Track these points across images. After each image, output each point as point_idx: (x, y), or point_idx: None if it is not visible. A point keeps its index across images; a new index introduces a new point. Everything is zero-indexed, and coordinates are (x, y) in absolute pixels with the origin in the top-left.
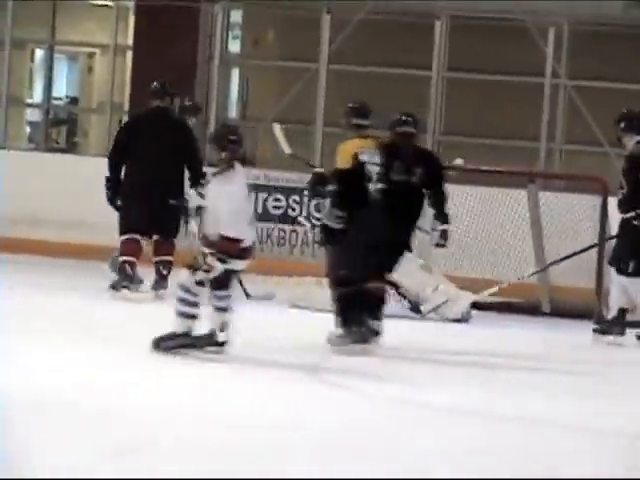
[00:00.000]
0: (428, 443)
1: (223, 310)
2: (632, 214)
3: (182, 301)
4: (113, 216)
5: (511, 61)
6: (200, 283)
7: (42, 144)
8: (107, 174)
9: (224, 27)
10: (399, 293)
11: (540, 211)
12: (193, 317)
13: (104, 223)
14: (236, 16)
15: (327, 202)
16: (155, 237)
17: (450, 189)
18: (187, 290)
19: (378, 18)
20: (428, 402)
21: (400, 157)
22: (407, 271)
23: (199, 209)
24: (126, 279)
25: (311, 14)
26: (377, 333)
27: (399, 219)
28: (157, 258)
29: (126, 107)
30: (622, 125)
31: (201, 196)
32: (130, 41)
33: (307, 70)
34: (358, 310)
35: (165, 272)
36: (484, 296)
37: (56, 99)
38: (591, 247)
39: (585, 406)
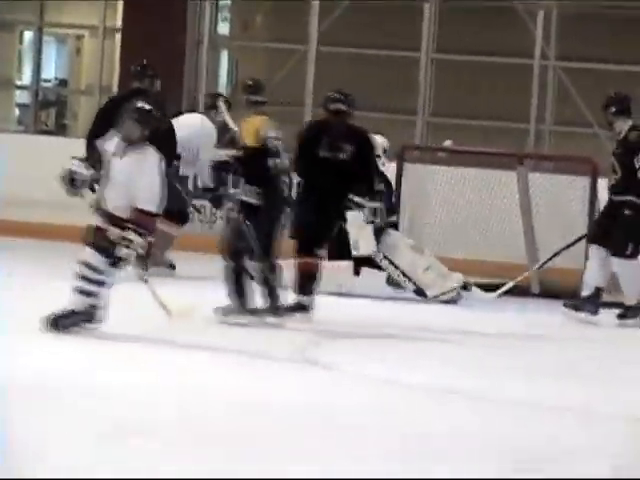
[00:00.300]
0: (412, 426)
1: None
2: (624, 198)
3: (85, 279)
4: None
5: (500, 43)
6: (115, 262)
7: (31, 126)
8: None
9: (213, 9)
10: (404, 275)
11: (530, 193)
12: (93, 295)
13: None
14: None
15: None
16: None
17: (439, 171)
18: (94, 268)
19: (367, 0)
20: (413, 383)
21: (329, 134)
22: (398, 251)
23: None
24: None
25: None
26: (304, 307)
27: (325, 194)
28: None
29: (115, 89)
30: (613, 109)
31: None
32: (119, 23)
33: (296, 52)
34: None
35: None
36: (508, 286)
37: (45, 81)
38: (581, 238)
39: (571, 388)
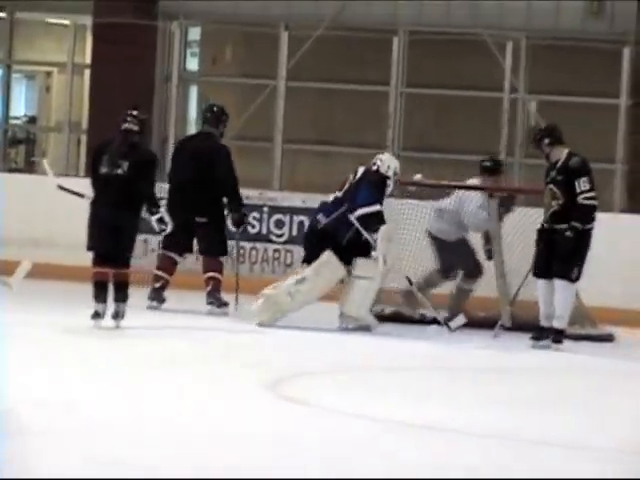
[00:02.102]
0: (384, 458)
1: None
2: (565, 225)
3: None
4: (74, 235)
5: (469, 76)
6: None
7: (0, 164)
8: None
9: (182, 45)
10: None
11: (500, 225)
12: None
13: (66, 242)
14: (194, 34)
15: None
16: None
17: (409, 204)
18: None
19: (336, 34)
20: (388, 417)
21: (109, 151)
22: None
23: None
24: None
25: (269, 30)
26: (117, 314)
27: (113, 208)
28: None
29: (84, 126)
30: (547, 141)
31: None
32: (88, 59)
33: (266, 87)
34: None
35: None
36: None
37: (14, 118)
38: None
39: (547, 418)
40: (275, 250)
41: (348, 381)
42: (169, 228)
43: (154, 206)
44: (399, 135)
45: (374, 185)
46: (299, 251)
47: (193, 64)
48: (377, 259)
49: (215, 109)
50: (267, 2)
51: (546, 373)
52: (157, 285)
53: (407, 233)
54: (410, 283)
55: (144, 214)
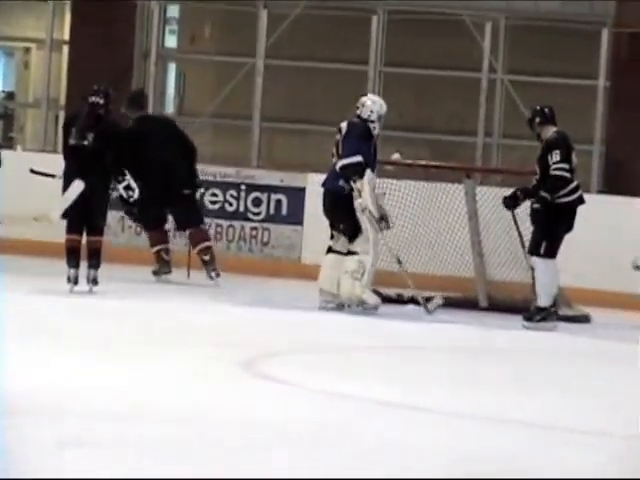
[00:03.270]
0: (366, 437)
1: None
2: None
3: None
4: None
5: (448, 56)
6: None
7: None
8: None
9: (161, 22)
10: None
11: (477, 205)
12: None
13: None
14: (173, 11)
15: None
16: None
17: (388, 184)
18: None
19: (315, 13)
20: (363, 397)
21: (76, 124)
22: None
23: None
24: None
25: (248, 9)
26: (92, 280)
27: (82, 178)
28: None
29: (62, 102)
30: (538, 120)
31: None
32: (67, 36)
33: (244, 65)
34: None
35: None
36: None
37: None
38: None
39: (525, 399)
40: (252, 228)
41: (324, 360)
42: (136, 194)
43: (120, 174)
44: None
45: (357, 135)
46: (276, 229)
47: (172, 41)
48: (364, 211)
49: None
50: None
51: (522, 353)
52: (166, 258)
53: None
54: (399, 262)
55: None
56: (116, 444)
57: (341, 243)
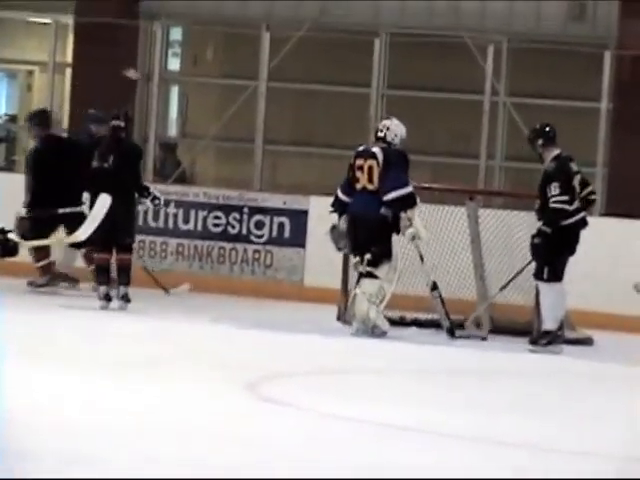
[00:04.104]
0: (365, 458)
1: None
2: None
3: None
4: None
5: (451, 78)
6: None
7: None
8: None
9: (164, 45)
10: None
11: (479, 228)
12: None
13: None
14: (176, 34)
15: None
16: None
17: None
18: None
19: (317, 36)
20: (369, 419)
21: (99, 147)
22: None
23: None
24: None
25: (251, 31)
26: (124, 296)
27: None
28: None
29: (65, 124)
30: (540, 142)
31: None
32: (69, 58)
33: (246, 88)
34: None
35: None
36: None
37: None
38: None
39: (527, 421)
40: (255, 251)
41: (327, 383)
42: (162, 201)
43: (144, 190)
44: None
45: (401, 165)
46: (279, 252)
47: (174, 64)
48: (414, 239)
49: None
50: (248, 2)
51: (525, 376)
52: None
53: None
54: (435, 287)
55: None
56: (114, 462)
57: (363, 265)
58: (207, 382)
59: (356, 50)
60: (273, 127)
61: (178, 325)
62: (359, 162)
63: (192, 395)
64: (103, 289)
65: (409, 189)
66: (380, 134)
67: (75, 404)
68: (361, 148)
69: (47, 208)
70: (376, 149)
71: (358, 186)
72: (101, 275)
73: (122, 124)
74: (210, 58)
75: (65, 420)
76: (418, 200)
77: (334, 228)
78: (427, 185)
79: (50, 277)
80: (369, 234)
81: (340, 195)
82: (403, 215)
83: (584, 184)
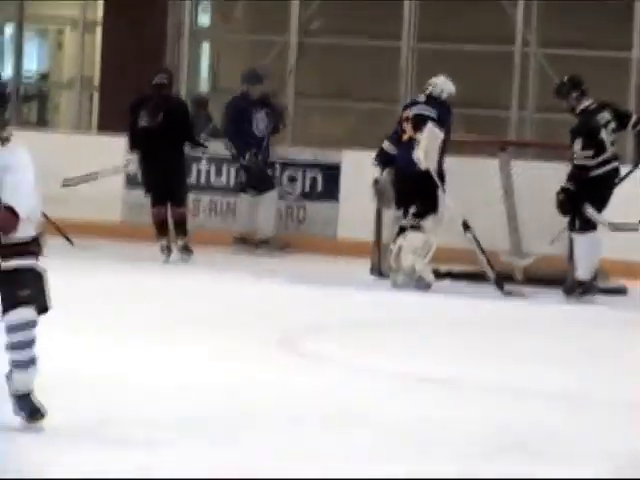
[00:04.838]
0: (400, 413)
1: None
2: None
3: None
4: (82, 190)
5: (481, 30)
6: None
7: (13, 120)
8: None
9: (193, 1)
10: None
11: (512, 179)
12: None
13: (76, 198)
14: None
15: None
16: None
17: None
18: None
19: None
20: (400, 372)
21: (145, 106)
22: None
23: None
24: None
25: None
26: (185, 247)
27: (158, 156)
28: None
29: (96, 82)
30: (574, 95)
31: None
32: (100, 16)
33: (277, 43)
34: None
35: None
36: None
37: (26, 76)
38: None
39: (563, 371)
40: (288, 206)
41: (357, 336)
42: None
43: (195, 143)
44: (410, 90)
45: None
46: (311, 206)
47: (204, 20)
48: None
49: None
50: None
51: (559, 325)
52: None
53: None
54: (467, 227)
55: (191, 152)
56: (159, 422)
57: (407, 219)
58: (241, 337)
59: (386, 3)
60: (304, 82)
61: (217, 281)
62: (405, 113)
63: (224, 350)
64: (165, 241)
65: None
66: (427, 91)
67: (112, 362)
68: (409, 101)
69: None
70: (421, 98)
71: (405, 137)
72: (160, 228)
73: (165, 81)
74: (240, 13)
75: (102, 380)
76: None
77: (377, 182)
78: (459, 137)
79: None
80: (414, 186)
81: (386, 146)
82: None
83: (621, 118)
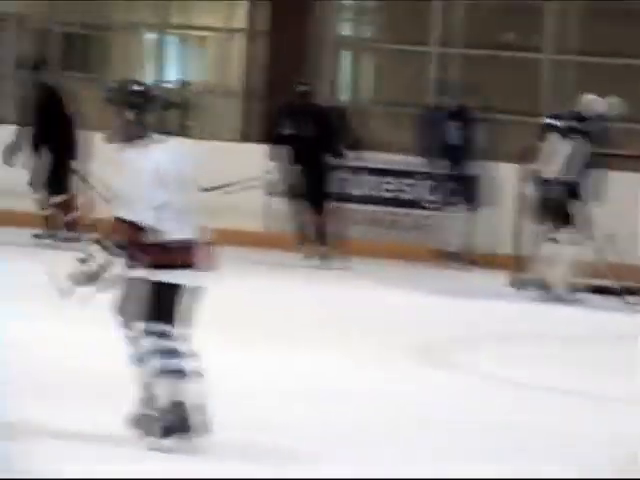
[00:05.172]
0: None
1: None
2: None
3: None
4: (224, 200)
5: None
6: None
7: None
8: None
9: (335, 10)
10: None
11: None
12: None
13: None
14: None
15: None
16: None
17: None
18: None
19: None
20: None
21: (290, 114)
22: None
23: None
24: None
25: None
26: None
27: (303, 163)
28: None
29: (237, 89)
30: None
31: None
32: (242, 24)
33: (418, 53)
34: None
35: None
36: None
37: (168, 82)
38: None
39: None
40: (425, 216)
41: (502, 348)
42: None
43: (337, 153)
44: (553, 103)
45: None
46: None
47: (346, 29)
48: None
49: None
50: None
51: None
52: None
53: None
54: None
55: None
56: (291, 425)
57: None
58: (380, 347)
59: (525, 16)
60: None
61: (351, 291)
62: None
63: (366, 360)
64: (306, 250)
65: None
66: (574, 106)
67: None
68: (551, 113)
69: None
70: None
71: (547, 150)
72: (300, 236)
73: (309, 89)
74: (381, 23)
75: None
76: None
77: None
78: (616, 152)
79: None
80: (554, 200)
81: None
82: None
83: None
